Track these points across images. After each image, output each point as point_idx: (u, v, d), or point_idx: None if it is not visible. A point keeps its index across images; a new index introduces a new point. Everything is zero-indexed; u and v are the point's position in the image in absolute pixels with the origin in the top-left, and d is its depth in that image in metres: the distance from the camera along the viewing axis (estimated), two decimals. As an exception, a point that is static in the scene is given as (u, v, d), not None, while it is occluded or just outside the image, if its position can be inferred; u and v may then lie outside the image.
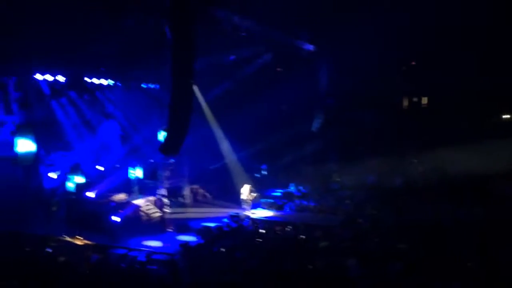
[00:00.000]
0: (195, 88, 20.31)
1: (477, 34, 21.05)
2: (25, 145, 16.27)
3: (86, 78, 19.02)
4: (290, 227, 15.80)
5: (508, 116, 24.05)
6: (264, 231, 15.66)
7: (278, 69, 24.33)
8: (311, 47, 21.55)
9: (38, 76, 17.30)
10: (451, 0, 19.32)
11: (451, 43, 21.85)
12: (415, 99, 27.07)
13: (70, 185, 18.61)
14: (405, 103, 27.49)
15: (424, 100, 27.01)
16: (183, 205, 20.34)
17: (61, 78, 17.95)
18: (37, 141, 17.01)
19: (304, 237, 13.99)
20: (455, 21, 20.29)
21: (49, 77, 17.54)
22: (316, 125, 23.40)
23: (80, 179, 18.72)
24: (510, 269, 9.46)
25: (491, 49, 21.15)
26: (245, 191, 18.95)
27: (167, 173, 20.61)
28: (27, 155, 16.39)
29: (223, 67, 22.10)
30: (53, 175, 19.31)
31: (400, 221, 15.25)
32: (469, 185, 18.39)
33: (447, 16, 19.72)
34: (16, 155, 16.16)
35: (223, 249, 13.02)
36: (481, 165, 18.45)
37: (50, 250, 13.01)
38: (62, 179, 19.14)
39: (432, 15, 19.56)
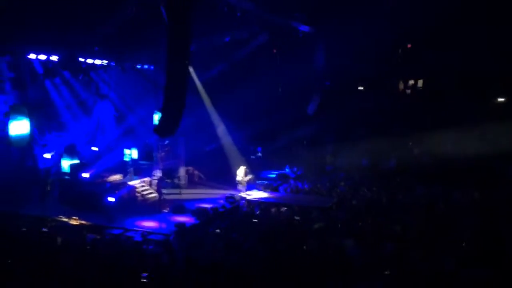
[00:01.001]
0: (191, 69, 20.21)
1: (473, 18, 21.00)
2: (18, 126, 16.17)
3: (80, 58, 18.79)
4: (285, 208, 15.91)
5: (503, 99, 24.14)
6: (259, 212, 15.76)
7: (274, 50, 24.17)
8: (307, 28, 21.38)
9: (32, 56, 17.09)
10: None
11: (447, 26, 21.80)
12: (411, 82, 27.10)
13: (64, 166, 18.57)
14: (401, 85, 27.52)
15: (420, 83, 27.05)
16: (178, 186, 20.39)
17: (54, 58, 17.74)
18: (31, 121, 16.90)
19: (299, 218, 14.11)
20: (451, 4, 20.21)
21: (42, 57, 17.33)
22: (312, 107, 23.38)
23: (74, 160, 18.68)
24: (506, 247, 9.63)
25: (487, 32, 21.11)
26: (241, 173, 19.00)
27: (162, 154, 20.61)
28: (21, 136, 16.30)
29: (218, 48, 21.93)
30: (47, 155, 19.24)
31: (393, 203, 15.40)
32: (464, 167, 18.57)
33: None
34: (9, 136, 16.06)
35: (218, 230, 13.11)
36: (476, 147, 18.63)
37: (46, 230, 13.04)
38: (57, 159, 19.08)
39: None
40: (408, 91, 27.00)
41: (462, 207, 14.13)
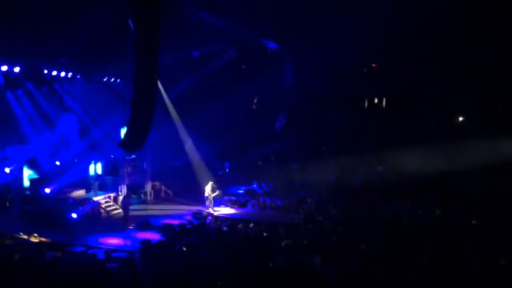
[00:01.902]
0: (159, 84, 20.05)
1: (436, 38, 21.86)
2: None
3: (44, 70, 18.30)
4: (253, 224, 15.87)
5: (463, 118, 25.12)
6: (226, 228, 15.65)
7: (243, 66, 24.36)
8: (276, 46, 21.69)
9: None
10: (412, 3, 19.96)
11: (410, 46, 22.60)
12: (375, 101, 27.84)
13: (25, 180, 17.95)
14: (366, 104, 28.22)
15: (383, 102, 27.83)
16: (144, 202, 20.03)
17: (17, 69, 17.18)
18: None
19: (266, 234, 14.10)
20: (415, 24, 20.98)
21: (4, 67, 16.78)
22: (279, 123, 23.58)
23: (36, 174, 18.08)
24: (465, 263, 9.91)
25: (448, 53, 22.01)
26: (208, 189, 18.86)
27: (128, 169, 20.23)
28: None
29: (187, 63, 21.91)
30: (7, 169, 18.56)
31: (358, 219, 15.61)
32: (426, 184, 19.06)
33: (408, 19, 20.36)
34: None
35: (184, 247, 12.93)
36: (438, 165, 19.19)
37: (4, 248, 12.51)
38: (17, 173, 18.44)
39: (394, 18, 20.14)
40: (372, 109, 27.71)
41: (424, 224, 14.47)
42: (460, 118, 25.22)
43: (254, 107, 24.57)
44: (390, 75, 24.78)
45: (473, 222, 14.47)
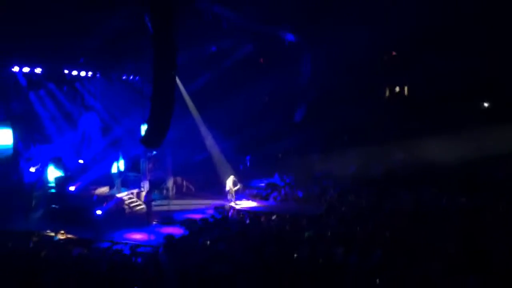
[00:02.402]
0: (177, 80, 20.14)
1: (457, 25, 21.34)
2: (2, 139, 15.92)
3: (65, 70, 18.59)
4: (275, 216, 15.86)
5: (488, 104, 24.50)
6: (249, 221, 15.68)
7: (261, 60, 24.26)
8: (293, 38, 21.51)
9: (15, 68, 16.84)
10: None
11: (430, 34, 22.11)
12: (396, 89, 27.38)
13: (50, 179, 18.29)
14: (387, 93, 27.78)
15: (405, 90, 27.34)
16: (166, 197, 20.22)
17: (38, 70, 17.49)
18: (15, 134, 16.65)
19: (289, 226, 14.07)
20: (435, 12, 20.51)
21: (26, 69, 17.10)
22: (298, 116, 23.44)
23: (60, 173, 18.41)
24: (491, 253, 9.69)
25: (471, 40, 21.47)
26: (229, 183, 18.93)
27: (149, 166, 20.44)
28: (4, 150, 16.05)
29: (205, 58, 21.93)
30: (32, 169, 18.95)
31: (381, 209, 15.45)
32: (451, 173, 18.73)
33: (428, 6, 19.92)
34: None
35: (208, 241, 13.00)
36: (462, 152, 18.82)
37: (31, 246, 12.80)
38: (42, 173, 18.80)
39: (413, 5, 19.73)
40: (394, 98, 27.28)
41: (449, 213, 14.22)
42: (485, 104, 24.59)
43: (266, 99, 24.34)
44: (411, 63, 24.32)
45: (500, 209, 14.10)
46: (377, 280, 8.49)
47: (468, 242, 10.62)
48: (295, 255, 10.46)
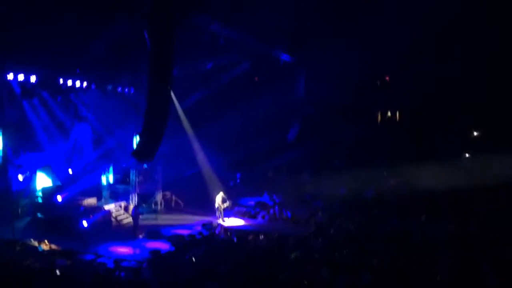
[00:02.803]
0: (172, 95, 20.20)
1: (451, 51, 21.71)
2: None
3: (60, 80, 18.58)
4: (263, 236, 15.76)
5: (478, 132, 24.78)
6: (236, 240, 15.57)
7: (256, 78, 24.44)
8: (289, 58, 21.74)
9: (10, 76, 16.80)
10: (427, 14, 19.87)
11: (425, 59, 22.47)
12: (388, 113, 27.64)
13: (38, 188, 18.10)
14: (379, 117, 28.04)
15: (397, 115, 27.62)
16: (155, 211, 20.05)
17: (33, 78, 17.46)
18: (5, 141, 16.52)
19: (276, 246, 13.98)
20: (429, 38, 20.88)
21: (21, 77, 17.06)
22: (292, 134, 23.53)
23: (49, 182, 18.23)
24: (480, 281, 9.68)
25: (462, 65, 21.82)
26: (219, 199, 18.83)
27: (139, 179, 20.31)
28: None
29: (200, 74, 22.06)
30: (21, 177, 18.77)
31: (370, 234, 15.40)
32: (440, 200, 18.78)
33: (422, 32, 20.27)
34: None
35: (194, 258, 12.88)
36: (452, 180, 18.92)
37: (15, 255, 12.59)
38: (30, 181, 18.63)
39: (407, 31, 20.07)
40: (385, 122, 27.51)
41: (437, 240, 14.21)
42: (475, 132, 24.86)
43: (260, 117, 24.42)
44: (404, 88, 24.63)
45: (490, 237, 14.11)
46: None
47: (456, 269, 10.61)
48: (280, 276, 10.38)
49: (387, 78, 26.58)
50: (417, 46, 21.15)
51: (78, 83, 19.16)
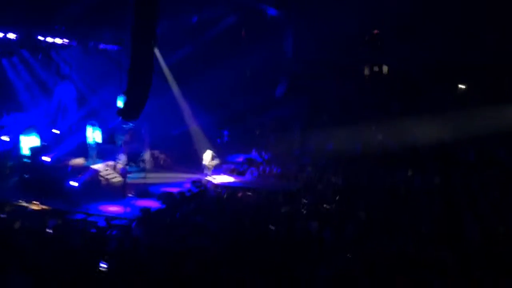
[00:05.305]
0: (157, 51, 19.73)
1: (439, 7, 21.40)
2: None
3: (40, 37, 17.96)
4: (252, 192, 15.95)
5: (464, 86, 24.82)
6: (226, 196, 15.73)
7: (243, 33, 23.91)
8: (275, 12, 21.23)
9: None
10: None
11: (414, 12, 22.13)
12: (376, 68, 27.43)
13: (24, 148, 17.90)
14: (366, 71, 27.82)
15: (385, 69, 27.42)
16: (143, 170, 20.06)
17: (11, 35, 16.85)
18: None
19: (266, 202, 14.19)
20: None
21: (-2, 34, 16.48)
22: (279, 90, 23.36)
23: (35, 142, 18.01)
24: (464, 232, 10.00)
25: (452, 19, 21.58)
26: (207, 157, 18.88)
27: (126, 138, 20.15)
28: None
29: (185, 29, 21.48)
30: (5, 137, 18.49)
31: (357, 187, 15.69)
32: (427, 153, 19.06)
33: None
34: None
35: (184, 215, 13.02)
36: (438, 133, 19.13)
37: (4, 216, 12.57)
38: (16, 141, 18.38)
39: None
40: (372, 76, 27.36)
41: (423, 192, 14.55)
42: (462, 86, 24.91)
43: (247, 73, 24.11)
44: (393, 43, 24.38)
45: (472, 189, 14.50)
46: (349, 255, 8.67)
47: (440, 221, 10.92)
48: (271, 227, 10.59)
49: (376, 31, 26.21)
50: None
51: (58, 40, 18.56)
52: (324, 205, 13.04)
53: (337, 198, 13.82)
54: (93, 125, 19.86)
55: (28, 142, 17.93)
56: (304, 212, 12.52)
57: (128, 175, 17.90)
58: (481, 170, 16.73)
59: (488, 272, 7.86)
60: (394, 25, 23.52)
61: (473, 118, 19.36)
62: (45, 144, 18.64)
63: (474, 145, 19.25)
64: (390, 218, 11.41)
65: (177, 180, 18.81)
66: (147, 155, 20.72)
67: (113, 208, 14.99)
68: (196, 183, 17.82)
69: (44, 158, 17.39)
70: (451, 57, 22.48)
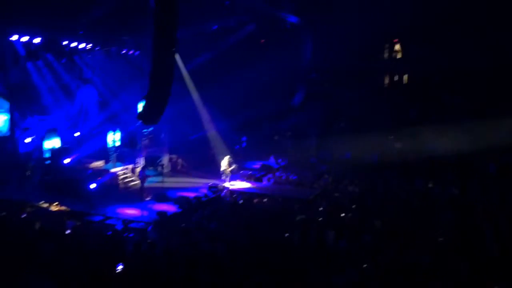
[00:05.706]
0: (177, 57, 19.98)
1: (459, 16, 21.19)
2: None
3: (64, 42, 18.40)
4: (268, 199, 15.94)
5: (485, 96, 24.44)
6: (242, 202, 15.77)
7: (262, 40, 24.05)
8: (295, 20, 21.29)
9: (14, 37, 16.63)
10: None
11: (433, 23, 21.95)
12: (396, 77, 27.26)
13: (46, 150, 18.26)
14: (386, 80, 27.68)
15: (405, 78, 27.23)
16: (161, 174, 20.26)
17: (37, 40, 17.30)
18: (12, 104, 16.54)
19: (281, 209, 14.17)
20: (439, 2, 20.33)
21: (24, 38, 16.89)
22: (297, 99, 23.38)
23: (56, 144, 18.36)
24: (481, 244, 9.82)
25: (473, 30, 21.33)
26: (225, 163, 18.97)
27: (145, 142, 20.42)
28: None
29: (205, 36, 21.72)
30: (28, 139, 18.90)
31: (374, 196, 15.55)
32: (446, 163, 18.81)
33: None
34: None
35: (200, 220, 13.09)
36: (458, 143, 18.86)
37: (25, 216, 12.84)
38: (38, 143, 18.77)
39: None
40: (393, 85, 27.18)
41: (440, 202, 14.35)
42: (482, 96, 24.52)
43: (265, 80, 24.19)
44: (413, 52, 24.20)
45: (491, 201, 14.23)
46: (365, 265, 8.59)
47: (459, 232, 10.75)
48: (286, 235, 10.57)
49: (396, 41, 26.07)
50: (428, 8, 20.60)
51: (82, 45, 19.00)
52: (341, 214, 12.95)
53: (353, 206, 13.70)
54: (114, 130, 20.20)
55: (50, 144, 18.30)
56: (320, 220, 12.45)
57: (146, 179, 18.10)
58: (501, 183, 16.42)
59: (505, 285, 7.71)
60: (414, 33, 23.37)
61: (492, 129, 19.05)
62: (66, 146, 18.99)
63: (494, 156, 18.92)
64: (407, 228, 11.28)
65: (194, 185, 18.97)
66: (165, 160, 20.94)
67: (131, 211, 15.17)
68: (212, 188, 17.92)
69: (65, 160, 17.71)
70: (472, 66, 22.18)
